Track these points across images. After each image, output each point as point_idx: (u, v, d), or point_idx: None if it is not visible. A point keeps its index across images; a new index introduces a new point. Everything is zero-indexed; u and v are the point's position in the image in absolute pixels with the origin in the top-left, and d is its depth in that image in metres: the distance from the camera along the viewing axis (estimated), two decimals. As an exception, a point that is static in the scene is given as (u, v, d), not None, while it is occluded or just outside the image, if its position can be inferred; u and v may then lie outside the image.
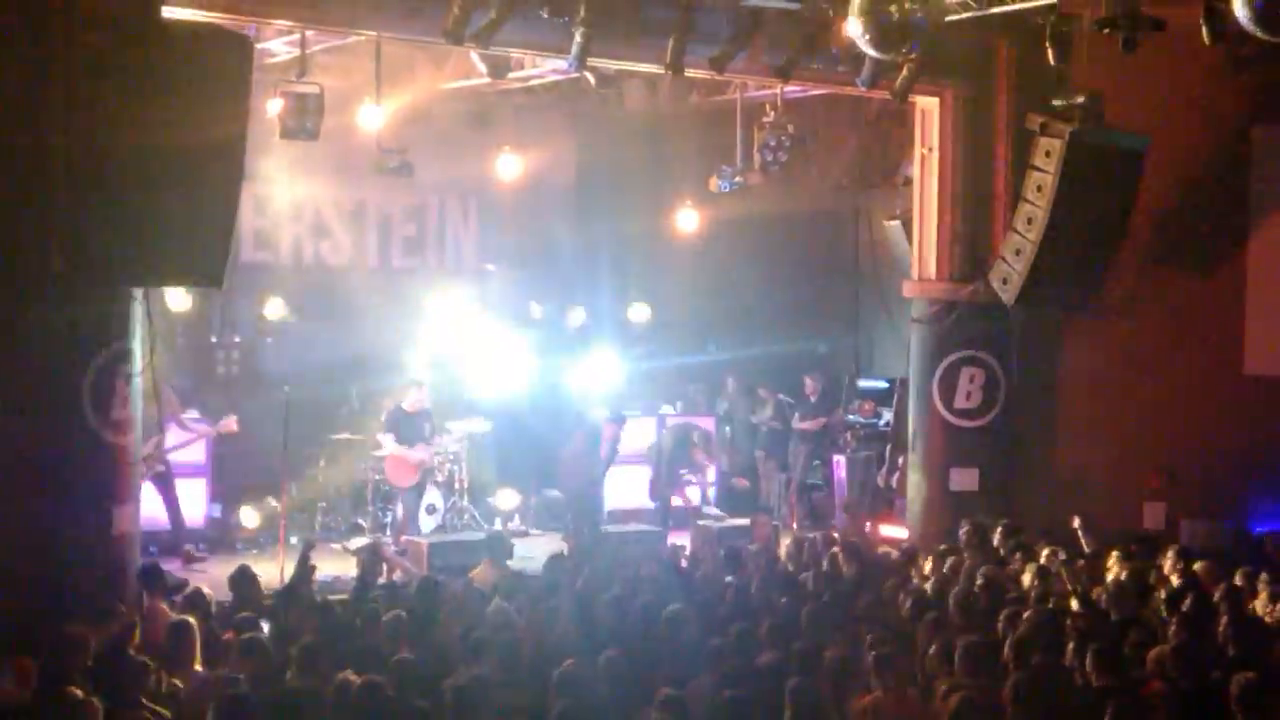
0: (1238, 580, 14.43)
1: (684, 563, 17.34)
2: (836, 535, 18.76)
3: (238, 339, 22.11)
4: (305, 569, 14.74)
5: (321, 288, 22.91)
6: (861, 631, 12.22)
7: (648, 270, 25.45)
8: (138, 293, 14.85)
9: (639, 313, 25.56)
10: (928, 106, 19.95)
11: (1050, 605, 13.20)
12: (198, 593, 13.63)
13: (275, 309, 22.14)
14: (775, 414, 23.92)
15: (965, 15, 16.29)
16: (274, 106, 16.67)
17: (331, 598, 14.64)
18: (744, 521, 20.67)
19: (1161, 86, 19.06)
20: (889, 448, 22.67)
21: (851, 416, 23.68)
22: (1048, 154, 17.87)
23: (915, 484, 20.21)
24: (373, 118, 18.34)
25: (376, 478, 20.96)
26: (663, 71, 17.18)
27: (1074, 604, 13.65)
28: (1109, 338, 20.11)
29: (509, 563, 16.68)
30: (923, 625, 12.46)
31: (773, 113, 19.72)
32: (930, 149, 20.04)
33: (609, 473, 20.85)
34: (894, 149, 23.95)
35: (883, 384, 24.17)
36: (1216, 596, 13.60)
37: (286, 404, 18.87)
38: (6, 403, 13.99)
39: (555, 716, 9.70)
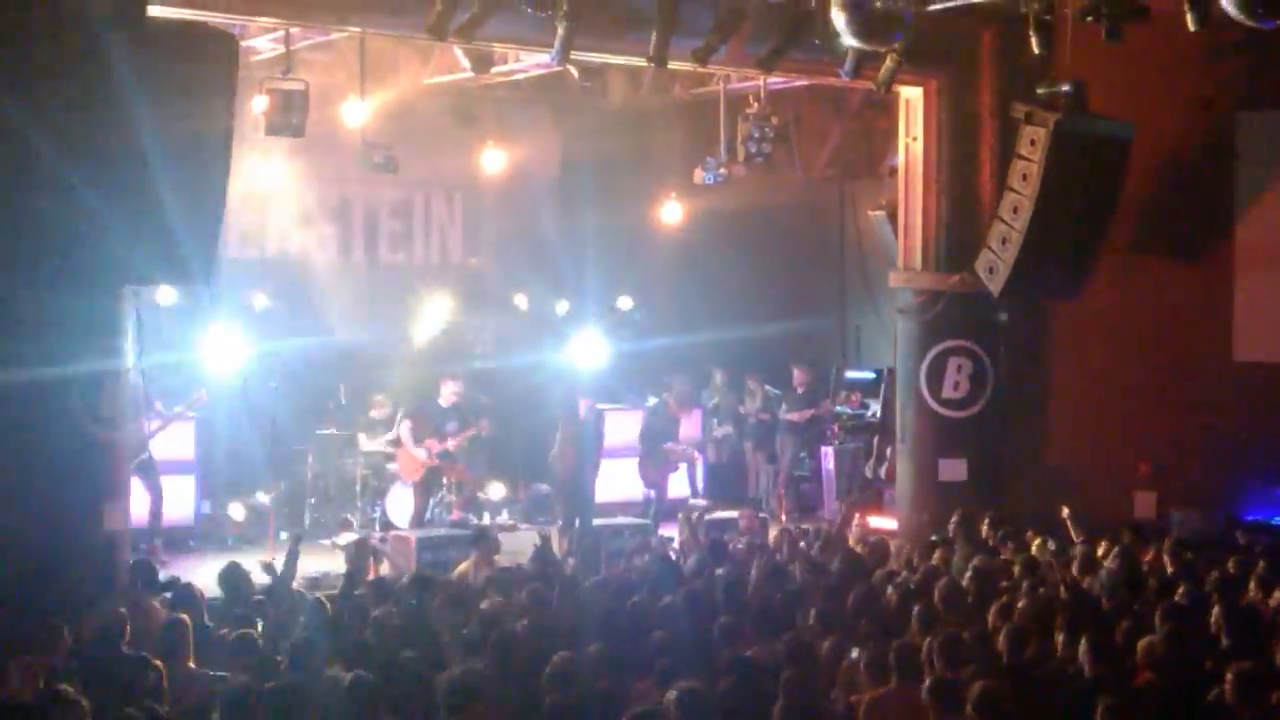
0: (1230, 569, 14.44)
1: (672, 554, 17.33)
2: (826, 527, 18.78)
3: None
4: (294, 565, 14.73)
5: (308, 283, 22.87)
6: (861, 627, 12.22)
7: (633, 263, 25.43)
8: (126, 290, 14.85)
9: (624, 305, 25.54)
10: (912, 96, 19.95)
11: (1040, 595, 13.18)
12: (189, 589, 13.63)
13: (262, 304, 22.10)
14: (763, 406, 23.93)
15: (948, 4, 16.30)
16: (259, 104, 16.65)
17: (320, 594, 14.61)
18: (732, 514, 20.65)
19: (1146, 74, 19.07)
20: (877, 439, 22.69)
21: (839, 408, 23.69)
22: (1033, 143, 17.87)
23: (904, 475, 20.23)
24: (357, 114, 18.34)
25: (365, 473, 20.97)
26: (646, 64, 17.16)
27: (1064, 594, 13.64)
28: (1097, 326, 20.14)
29: (497, 557, 16.66)
30: (912, 617, 12.46)
31: (756, 104, 19.73)
32: (914, 139, 20.04)
33: (599, 464, 20.87)
34: (878, 139, 23.98)
35: (870, 375, 24.20)
36: (1208, 586, 13.62)
37: (274, 400, 18.83)
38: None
39: (548, 710, 9.71)
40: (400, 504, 20.67)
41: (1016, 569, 14.65)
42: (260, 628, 12.63)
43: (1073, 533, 16.65)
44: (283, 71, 16.72)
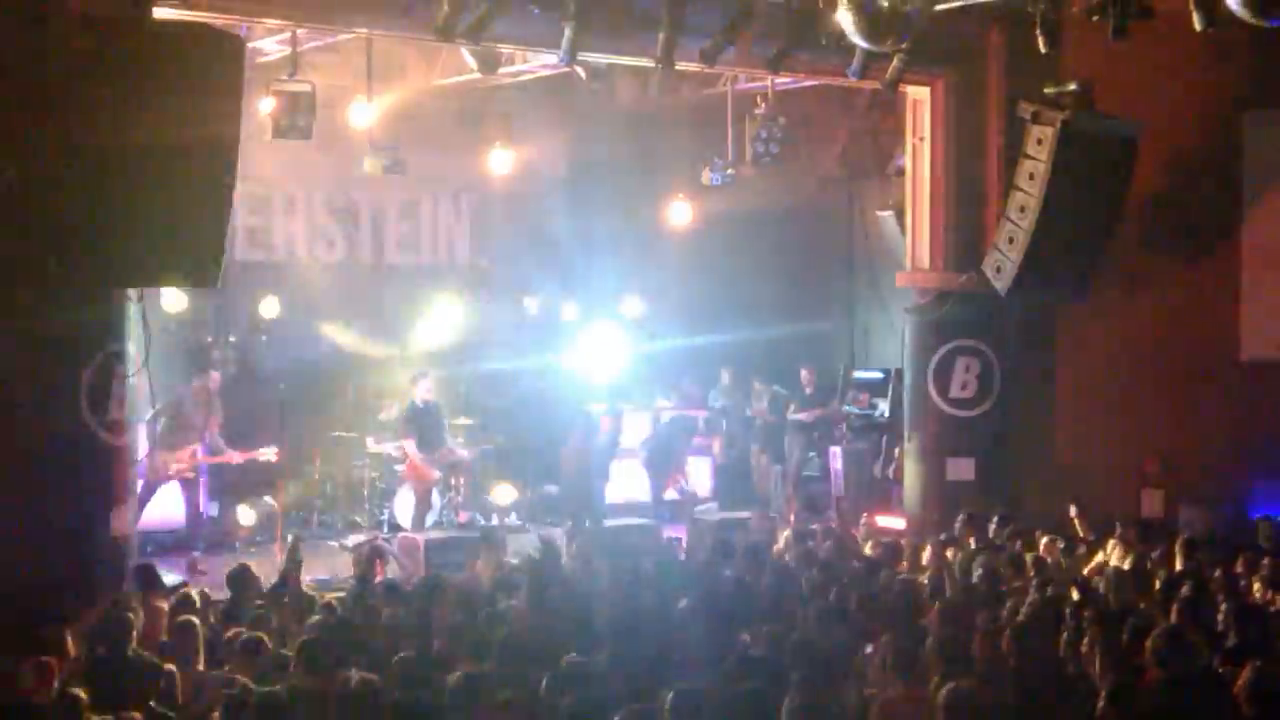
0: (1238, 567, 14.43)
1: (681, 555, 17.33)
2: (835, 527, 18.78)
3: (233, 338, 22.06)
4: (294, 565, 14.75)
5: (316, 285, 22.87)
6: (869, 627, 12.21)
7: (640, 264, 25.41)
8: (133, 293, 14.87)
9: (632, 306, 25.52)
10: (919, 96, 19.97)
11: (1048, 594, 13.18)
12: (198, 593, 13.63)
13: (270, 307, 22.12)
14: (771, 407, 23.91)
15: (955, 4, 16.30)
16: (266, 105, 16.64)
17: (329, 596, 14.63)
18: (741, 515, 20.63)
19: (1152, 73, 19.07)
20: (885, 438, 22.69)
21: (847, 408, 23.68)
22: (1040, 142, 17.85)
23: (912, 474, 20.24)
24: (364, 115, 18.34)
25: (373, 475, 20.99)
26: (653, 65, 17.16)
27: (1072, 592, 13.64)
28: (1104, 325, 20.12)
29: (505, 559, 16.66)
30: (921, 616, 12.45)
31: (764, 105, 19.72)
32: (922, 138, 20.06)
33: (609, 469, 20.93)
34: (886, 139, 23.97)
35: (878, 375, 24.16)
36: (1215, 583, 13.60)
37: (282, 402, 18.83)
38: (4, 404, 14.00)
39: (562, 713, 9.68)
40: (408, 506, 20.66)
41: (1024, 568, 14.64)
42: (270, 630, 12.64)
43: (1081, 531, 16.65)
44: (289, 73, 16.73)
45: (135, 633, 11.81)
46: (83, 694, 10.03)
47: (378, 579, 15.57)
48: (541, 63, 18.94)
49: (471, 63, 18.19)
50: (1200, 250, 20.19)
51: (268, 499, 20.05)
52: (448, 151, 22.74)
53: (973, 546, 16.00)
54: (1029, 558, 14.95)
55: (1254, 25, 13.40)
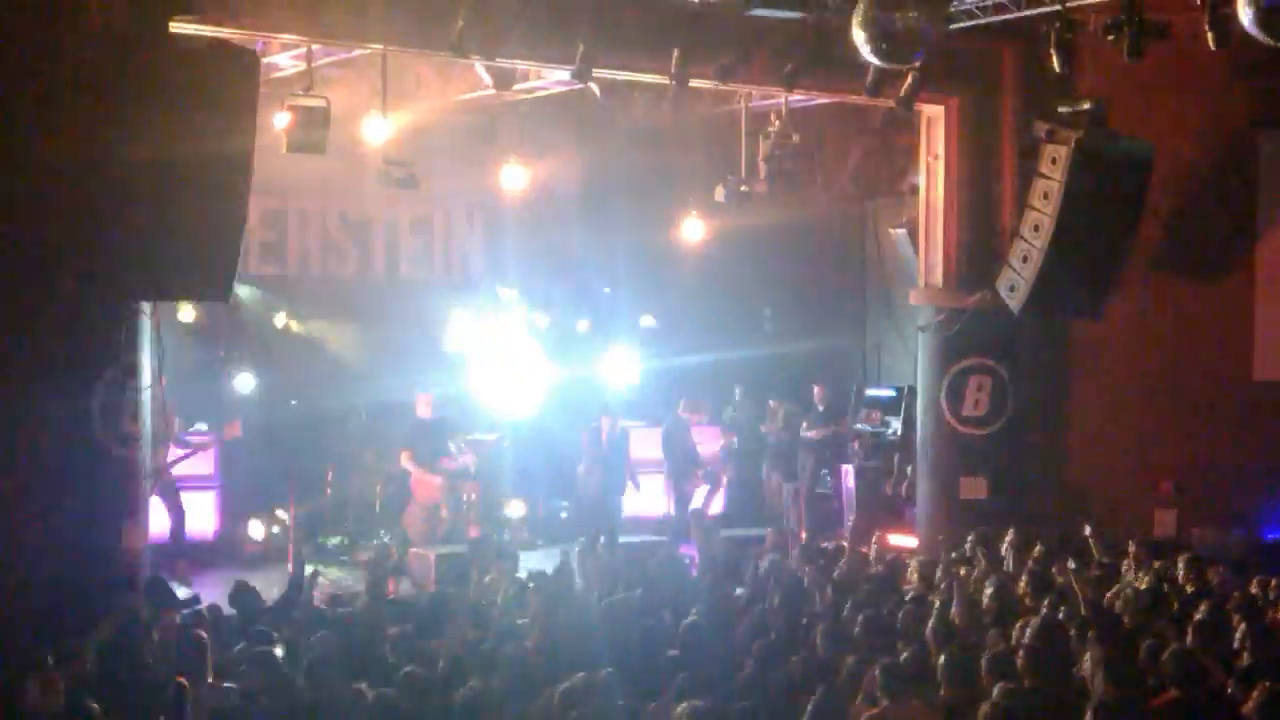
0: (1254, 588, 14.39)
1: (693, 573, 17.31)
2: (847, 545, 18.75)
3: (246, 352, 22.08)
4: (300, 578, 14.74)
5: (329, 300, 22.90)
6: (879, 645, 12.18)
7: (654, 280, 25.41)
8: (146, 307, 14.89)
9: (646, 322, 25.52)
10: (933, 114, 19.96)
11: (1061, 614, 13.14)
12: (209, 606, 13.64)
13: (283, 321, 22.13)
14: (785, 425, 23.86)
15: (970, 23, 16.30)
16: (281, 120, 16.62)
17: (340, 610, 14.61)
18: (752, 531, 20.60)
19: (1167, 93, 19.09)
20: (897, 456, 22.64)
21: (860, 425, 23.64)
22: (1054, 161, 17.86)
23: (924, 493, 20.22)
24: (379, 131, 18.35)
25: (389, 490, 21.03)
26: (668, 82, 17.17)
27: (1086, 613, 13.59)
28: (1117, 344, 20.10)
29: (517, 574, 16.64)
30: (932, 635, 12.42)
31: (778, 122, 19.71)
32: (936, 157, 20.04)
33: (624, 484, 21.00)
34: (899, 157, 23.93)
35: (891, 392, 24.11)
36: (1231, 605, 13.55)
37: (294, 417, 18.83)
38: (18, 417, 14.02)
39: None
40: (419, 521, 20.65)
41: (1037, 588, 14.60)
42: (279, 644, 12.63)
43: (1095, 551, 16.61)
44: (304, 88, 16.73)
45: (146, 646, 11.82)
46: (94, 706, 10.05)
47: (389, 594, 15.57)
48: (556, 79, 18.93)
49: (486, 79, 18.21)
50: (1214, 270, 20.18)
51: (279, 513, 20.06)
52: (462, 167, 22.74)
53: (984, 565, 15.96)
54: (1041, 577, 14.88)
55: (1269, 45, 13.39)
